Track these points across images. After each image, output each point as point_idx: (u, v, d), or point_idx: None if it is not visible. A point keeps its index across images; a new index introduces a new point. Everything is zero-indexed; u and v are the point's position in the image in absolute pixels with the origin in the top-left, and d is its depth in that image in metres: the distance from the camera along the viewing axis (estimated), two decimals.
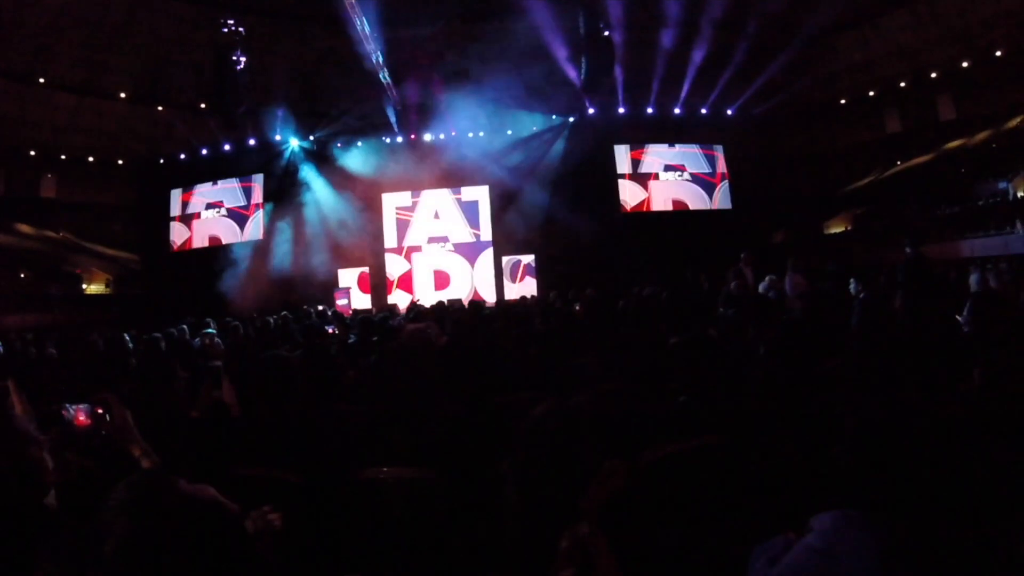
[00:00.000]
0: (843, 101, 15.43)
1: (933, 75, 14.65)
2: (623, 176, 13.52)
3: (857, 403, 1.19)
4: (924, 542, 0.98)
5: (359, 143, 13.57)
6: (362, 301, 12.80)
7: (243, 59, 12.36)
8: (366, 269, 13.36)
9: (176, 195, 14.61)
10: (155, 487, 0.96)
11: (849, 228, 15.41)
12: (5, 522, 1.11)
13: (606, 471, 1.20)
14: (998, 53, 13.62)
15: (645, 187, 13.55)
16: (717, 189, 13.61)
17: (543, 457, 1.31)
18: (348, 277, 13.20)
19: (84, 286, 16.08)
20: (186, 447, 2.01)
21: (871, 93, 15.28)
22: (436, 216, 13.64)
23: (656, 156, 13.64)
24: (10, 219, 15.28)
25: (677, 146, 13.64)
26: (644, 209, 13.48)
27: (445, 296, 11.01)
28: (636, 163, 13.62)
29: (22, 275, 15.60)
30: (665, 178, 13.64)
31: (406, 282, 13.58)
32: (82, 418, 1.43)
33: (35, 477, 1.20)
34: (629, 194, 13.49)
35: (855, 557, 0.98)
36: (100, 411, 1.43)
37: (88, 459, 1.55)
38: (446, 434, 2.21)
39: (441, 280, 13.40)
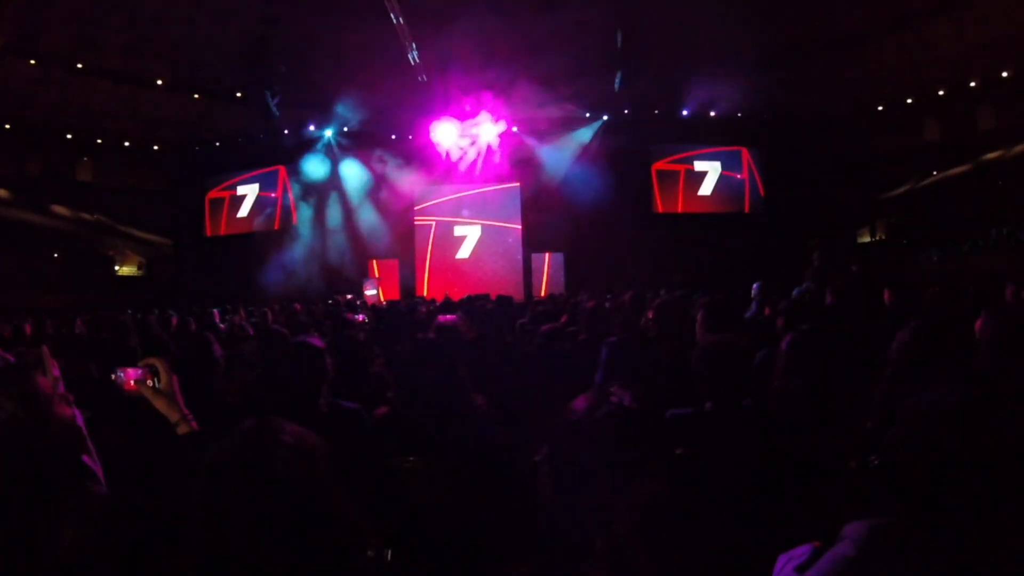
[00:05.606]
0: (880, 107, 15.18)
1: (973, 84, 14.35)
2: (655, 176, 13.46)
3: (915, 391, 1.03)
4: (972, 559, 0.87)
5: (393, 136, 13.65)
6: (391, 292, 12.89)
7: (280, 49, 12.51)
8: (396, 260, 13.47)
9: (210, 182, 14.80)
10: (267, 430, 1.06)
11: (883, 237, 15.16)
12: (32, 479, 1.11)
13: (645, 473, 1.15)
14: None
15: (678, 188, 13.47)
16: (751, 193, 13.49)
17: (582, 455, 1.28)
18: (378, 268, 13.30)
19: (116, 268, 16.36)
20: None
21: (909, 100, 15.01)
22: (467, 211, 13.68)
23: (689, 157, 13.55)
24: (46, 200, 15.57)
25: (711, 147, 13.54)
26: (676, 210, 13.40)
27: (474, 291, 11.03)
28: (669, 163, 13.54)
29: (55, 255, 15.89)
30: (698, 180, 13.54)
31: (436, 275, 13.63)
32: (131, 382, 1.44)
33: (67, 436, 1.20)
34: (661, 195, 13.42)
35: (893, 571, 0.89)
36: (149, 376, 1.44)
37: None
38: (473, 428, 2.18)
39: (470, 275, 13.42)
